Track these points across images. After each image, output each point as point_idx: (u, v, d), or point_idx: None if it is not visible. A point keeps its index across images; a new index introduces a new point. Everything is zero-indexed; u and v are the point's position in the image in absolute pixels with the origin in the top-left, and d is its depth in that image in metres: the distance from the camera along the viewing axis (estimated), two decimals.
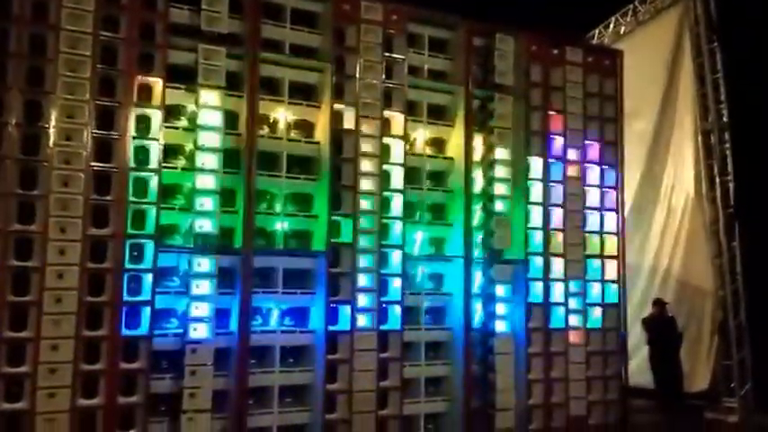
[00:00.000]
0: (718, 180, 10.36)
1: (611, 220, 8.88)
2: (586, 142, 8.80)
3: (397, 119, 7.76)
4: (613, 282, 8.80)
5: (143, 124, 6.68)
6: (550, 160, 8.53)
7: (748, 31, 10.11)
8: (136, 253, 6.56)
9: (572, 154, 8.68)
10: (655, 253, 11.28)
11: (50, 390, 6.10)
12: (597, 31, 12.59)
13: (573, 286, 8.49)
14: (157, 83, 6.71)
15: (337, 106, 7.45)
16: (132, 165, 6.59)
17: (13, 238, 6.15)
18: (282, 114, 7.40)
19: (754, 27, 9.96)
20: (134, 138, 6.61)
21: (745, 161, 10.28)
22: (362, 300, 7.34)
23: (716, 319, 10.35)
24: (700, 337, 10.56)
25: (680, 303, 10.79)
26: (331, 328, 7.19)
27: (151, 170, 6.65)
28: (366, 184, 7.46)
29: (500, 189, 8.16)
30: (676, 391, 10.04)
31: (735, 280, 10.09)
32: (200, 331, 6.65)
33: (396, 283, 7.54)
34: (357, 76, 7.54)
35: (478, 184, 8.19)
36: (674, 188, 11.17)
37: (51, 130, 6.29)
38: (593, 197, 8.78)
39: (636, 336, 10.53)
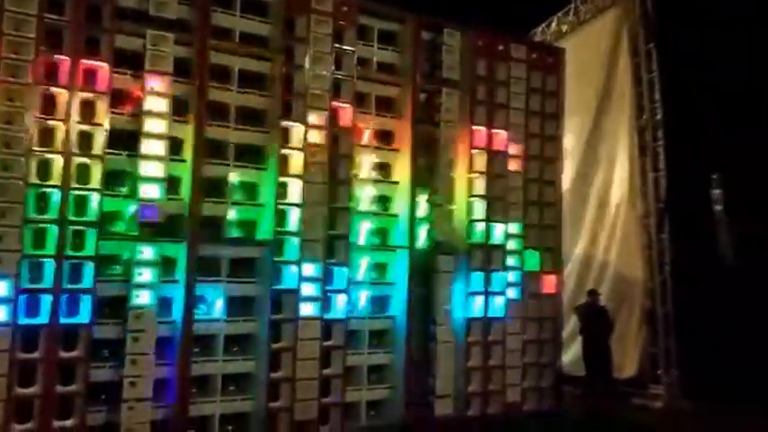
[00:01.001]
0: (650, 175, 10.76)
1: (549, 213, 9.16)
2: (528, 137, 9.02)
3: (345, 110, 7.78)
4: (551, 273, 9.10)
5: (88, 109, 6.53)
6: (493, 154, 8.70)
7: (683, 32, 10.50)
8: (78, 240, 6.44)
9: (514, 148, 8.89)
10: (590, 244, 11.63)
11: None
12: (540, 29, 12.84)
13: (513, 277, 8.74)
14: (103, 67, 6.58)
15: (286, 97, 7.43)
16: (75, 150, 6.44)
17: None
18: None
19: (689, 27, 10.34)
20: (78, 123, 6.46)
21: (676, 158, 10.70)
22: (308, 289, 7.38)
23: (644, 309, 10.78)
24: (630, 325, 10.96)
25: (613, 293, 11.16)
26: (274, 316, 7.22)
27: (95, 156, 6.53)
28: (313, 175, 7.47)
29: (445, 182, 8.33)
30: (606, 378, 10.42)
31: (663, 271, 10.53)
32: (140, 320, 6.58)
33: (341, 273, 7.63)
34: (306, 66, 7.53)
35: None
36: (610, 183, 11.51)
37: None
38: (532, 191, 9.03)
39: (573, 325, 10.88)
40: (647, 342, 10.61)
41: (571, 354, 10.78)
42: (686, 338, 10.09)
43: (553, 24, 12.65)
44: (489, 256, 8.59)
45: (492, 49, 8.83)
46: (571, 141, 10.72)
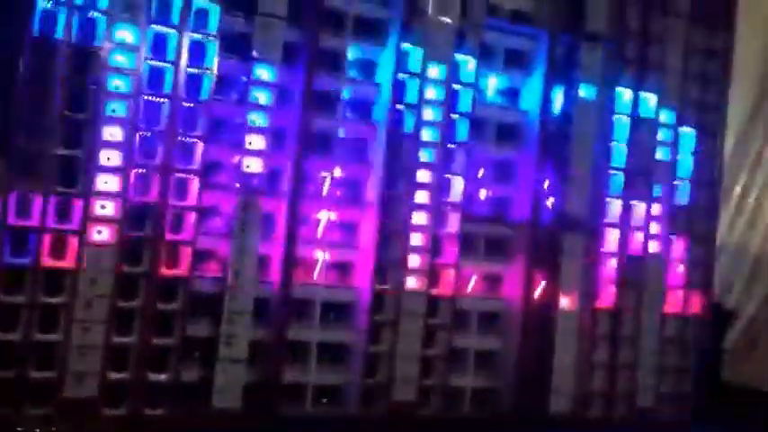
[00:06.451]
0: None
1: (703, 195, 8.39)
2: (684, 104, 8.27)
3: (468, 64, 7.38)
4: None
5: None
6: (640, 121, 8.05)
7: None
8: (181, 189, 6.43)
9: (665, 116, 8.15)
10: (744, 231, 10.60)
11: None
12: None
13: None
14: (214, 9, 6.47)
15: (404, 46, 7.12)
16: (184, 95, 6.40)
17: None
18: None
19: None
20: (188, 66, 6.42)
21: None
22: (414, 260, 7.17)
23: None
24: None
25: None
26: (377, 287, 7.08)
27: (200, 102, 6.48)
28: (427, 135, 7.18)
29: None
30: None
31: None
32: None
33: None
34: (429, 12, 7.17)
35: None
36: None
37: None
38: (684, 167, 8.29)
39: None
40: None
41: None
42: None
43: None
44: (626, 239, 7.98)
45: None
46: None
